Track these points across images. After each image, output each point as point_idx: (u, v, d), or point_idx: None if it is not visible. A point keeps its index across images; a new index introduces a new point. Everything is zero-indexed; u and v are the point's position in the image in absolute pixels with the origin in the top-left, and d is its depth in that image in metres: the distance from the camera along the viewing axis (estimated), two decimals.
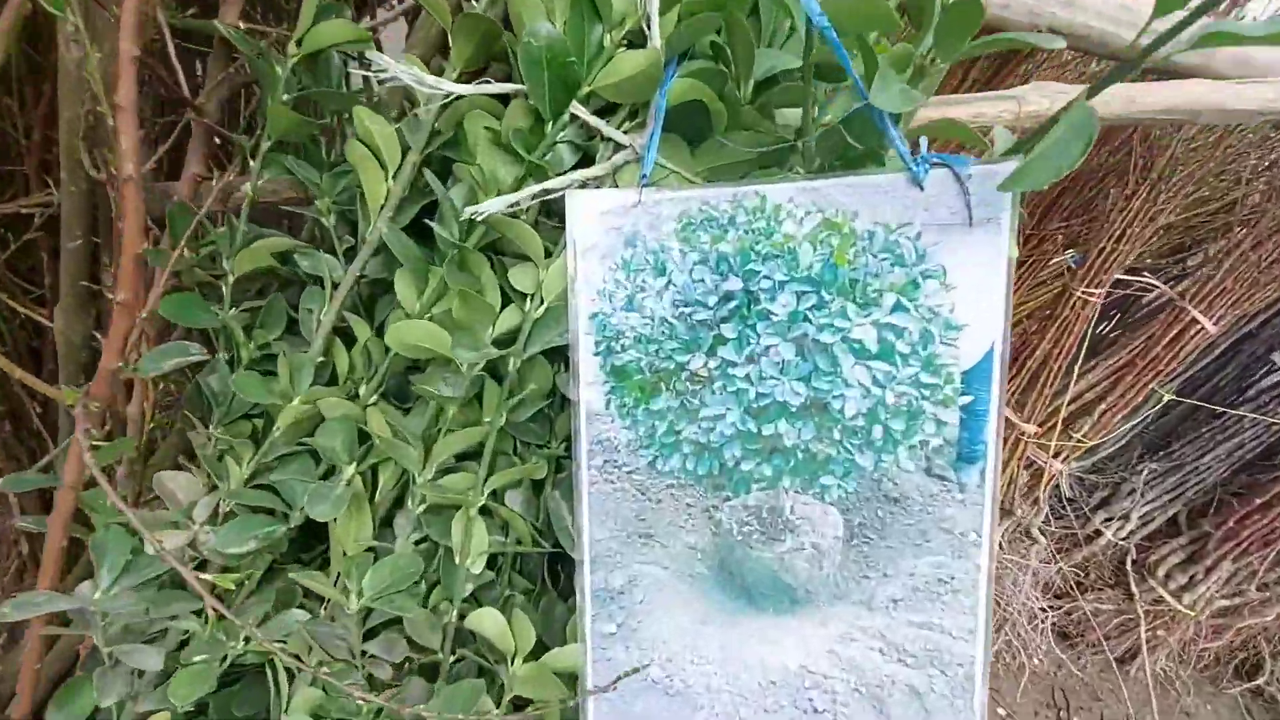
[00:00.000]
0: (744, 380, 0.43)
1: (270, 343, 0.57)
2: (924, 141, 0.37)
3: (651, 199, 0.44)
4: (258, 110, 0.61)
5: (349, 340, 0.56)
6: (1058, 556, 1.59)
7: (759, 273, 0.42)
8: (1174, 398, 1.43)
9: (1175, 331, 1.26)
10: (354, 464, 0.50)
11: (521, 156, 0.46)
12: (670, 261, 0.44)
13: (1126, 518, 1.55)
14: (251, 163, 0.57)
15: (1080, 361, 1.37)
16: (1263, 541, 1.43)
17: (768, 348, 0.42)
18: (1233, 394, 1.49)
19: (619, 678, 0.41)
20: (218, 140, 0.67)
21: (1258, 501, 1.41)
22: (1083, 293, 1.16)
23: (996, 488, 0.40)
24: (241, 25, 0.55)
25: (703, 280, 0.43)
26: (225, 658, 0.53)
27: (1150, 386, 1.40)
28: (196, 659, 0.48)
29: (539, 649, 0.50)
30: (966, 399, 0.40)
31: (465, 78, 0.50)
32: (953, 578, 0.42)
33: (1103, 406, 1.35)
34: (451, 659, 0.51)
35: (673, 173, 0.46)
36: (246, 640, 0.53)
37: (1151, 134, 1.07)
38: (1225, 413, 1.42)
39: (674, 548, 0.45)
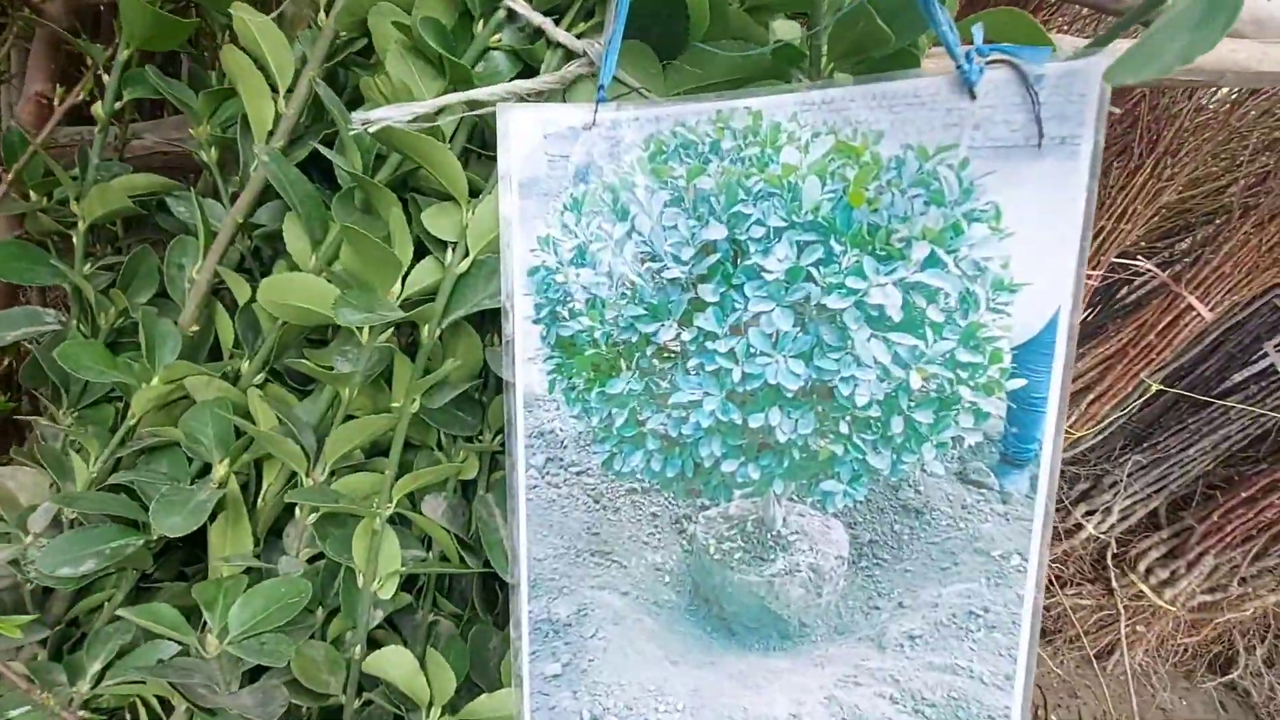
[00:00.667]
0: (726, 357, 0.33)
1: (135, 307, 0.45)
2: (978, 33, 0.27)
3: (610, 118, 0.33)
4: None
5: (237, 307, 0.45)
6: None
7: (749, 216, 0.32)
8: (1161, 388, 1.38)
9: (1169, 319, 1.20)
10: (228, 460, 0.39)
11: (443, 64, 0.36)
12: (634, 202, 0.34)
13: (1108, 510, 1.50)
14: (106, 78, 0.45)
15: None
16: (1245, 536, 1.39)
17: (758, 315, 0.33)
18: (1216, 384, 1.45)
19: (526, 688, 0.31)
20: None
21: (1242, 495, 1.37)
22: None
23: (1051, 499, 0.31)
24: None
25: (676, 226, 0.33)
26: (71, 701, 0.42)
27: (1140, 376, 1.34)
28: (14, 713, 0.37)
29: (468, 691, 0.40)
30: (1018, 383, 0.30)
31: None
32: (987, 610, 0.33)
33: (1091, 397, 1.29)
34: (358, 703, 0.41)
35: (637, 91, 0.36)
36: (97, 681, 0.42)
37: (1160, 105, 0.99)
38: (1211, 403, 1.38)
39: (635, 569, 0.35)
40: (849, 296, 0.31)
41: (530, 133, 0.34)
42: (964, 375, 0.31)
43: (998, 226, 0.29)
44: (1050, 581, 1.55)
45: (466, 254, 0.36)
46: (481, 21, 0.37)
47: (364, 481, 0.39)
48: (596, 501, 0.35)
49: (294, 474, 0.41)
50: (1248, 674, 1.63)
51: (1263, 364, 1.38)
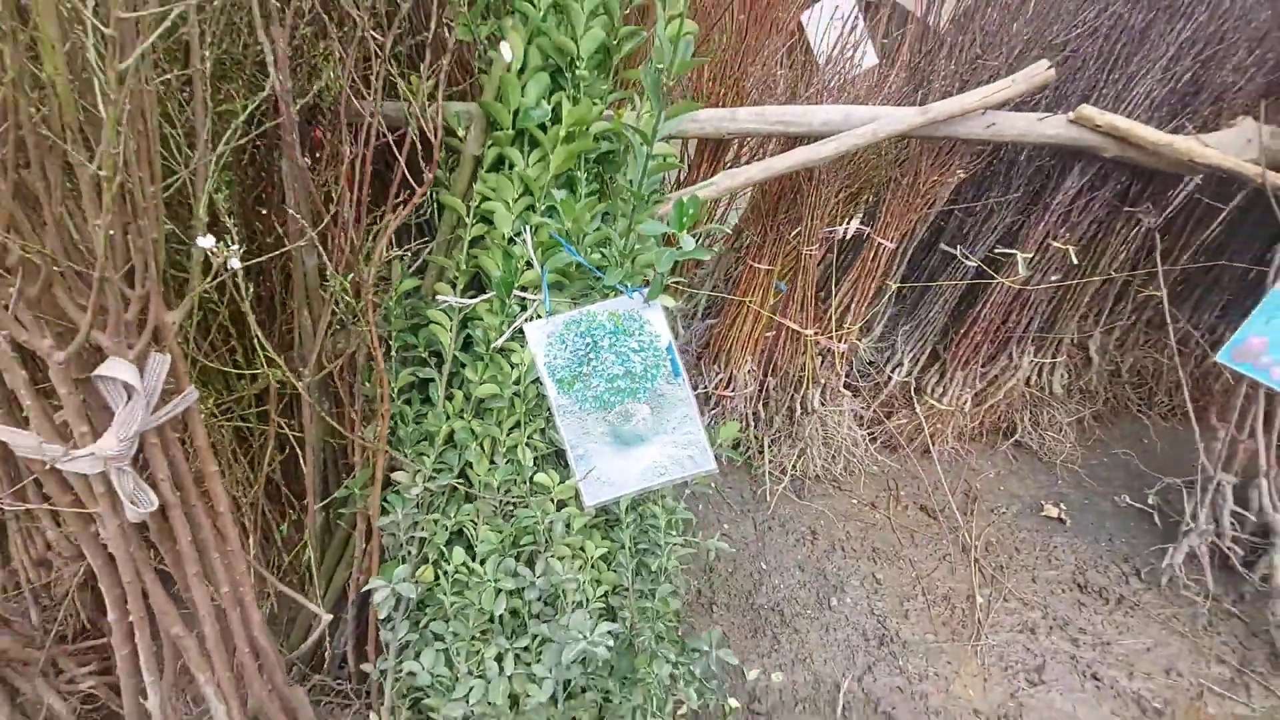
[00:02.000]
0: (602, 370, 1.25)
1: (421, 412, 1.37)
2: (637, 289, 1.18)
3: (554, 319, 1.25)
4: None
5: (448, 395, 1.36)
6: (870, 400, 2.47)
7: (596, 334, 1.24)
8: (898, 285, 2.31)
9: (874, 251, 2.13)
10: (475, 441, 1.31)
11: (499, 315, 1.27)
12: (565, 339, 1.25)
13: (901, 364, 2.44)
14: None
15: (835, 282, 2.24)
16: (974, 350, 2.33)
17: (605, 358, 1.25)
18: (938, 272, 2.36)
19: (585, 475, 1.24)
20: None
21: (962, 330, 2.31)
22: (806, 250, 2.01)
23: (688, 384, 1.22)
24: None
25: (577, 340, 1.25)
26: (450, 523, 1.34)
27: (884, 283, 2.27)
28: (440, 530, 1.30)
29: (564, 480, 1.32)
30: (668, 357, 1.23)
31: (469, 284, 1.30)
32: (687, 417, 1.26)
33: (853, 304, 2.22)
34: (532, 497, 1.33)
35: (558, 303, 1.28)
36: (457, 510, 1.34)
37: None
38: (929, 285, 2.31)
39: (595, 432, 1.28)
40: (625, 345, 1.24)
41: (535, 330, 1.26)
42: (655, 358, 1.23)
43: (650, 323, 1.21)
44: (883, 417, 2.48)
45: (526, 364, 1.27)
46: (508, 299, 1.27)
47: (517, 434, 1.30)
48: (580, 421, 1.28)
49: (494, 442, 1.33)
50: (1025, 433, 2.57)
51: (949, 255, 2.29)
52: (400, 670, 1.34)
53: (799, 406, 2.27)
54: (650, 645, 1.31)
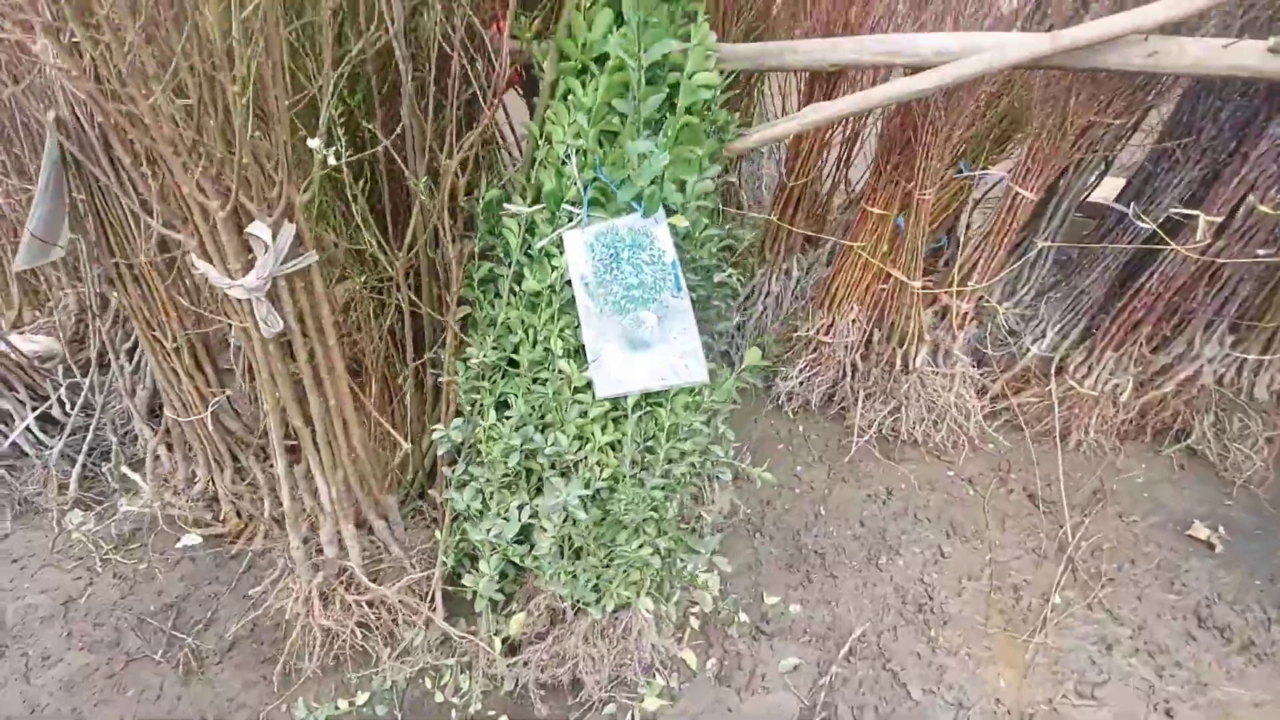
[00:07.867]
0: (621, 279, 1.42)
1: (493, 301, 1.67)
2: (660, 216, 1.32)
3: (586, 230, 1.44)
4: None
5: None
6: (999, 372, 2.25)
7: (618, 246, 1.40)
8: (1047, 244, 2.06)
9: (1010, 201, 1.92)
10: (522, 328, 1.57)
11: (550, 224, 1.49)
12: (594, 248, 1.44)
13: (1044, 334, 2.18)
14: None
15: (964, 234, 2.08)
16: (1130, 329, 2.00)
17: (624, 268, 1.41)
18: (1105, 235, 2.04)
19: (594, 361, 1.43)
20: None
21: (1118, 305, 2.00)
22: (919, 195, 1.89)
23: (687, 293, 1.33)
24: None
25: (603, 250, 1.43)
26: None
27: (1030, 240, 2.06)
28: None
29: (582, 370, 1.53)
30: (672, 272, 1.34)
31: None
32: (686, 329, 1.38)
33: (980, 261, 2.05)
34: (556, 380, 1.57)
35: (599, 220, 1.46)
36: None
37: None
38: (1086, 249, 2.02)
39: (611, 334, 1.46)
40: (640, 256, 1.39)
41: (573, 239, 1.46)
42: (662, 273, 1.36)
43: (656, 239, 1.34)
44: (1006, 392, 2.25)
45: (565, 268, 1.48)
46: (557, 212, 1.49)
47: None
48: (599, 321, 1.46)
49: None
50: (1204, 439, 2.16)
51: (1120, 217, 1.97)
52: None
53: (899, 362, 2.17)
54: (636, 525, 1.49)
